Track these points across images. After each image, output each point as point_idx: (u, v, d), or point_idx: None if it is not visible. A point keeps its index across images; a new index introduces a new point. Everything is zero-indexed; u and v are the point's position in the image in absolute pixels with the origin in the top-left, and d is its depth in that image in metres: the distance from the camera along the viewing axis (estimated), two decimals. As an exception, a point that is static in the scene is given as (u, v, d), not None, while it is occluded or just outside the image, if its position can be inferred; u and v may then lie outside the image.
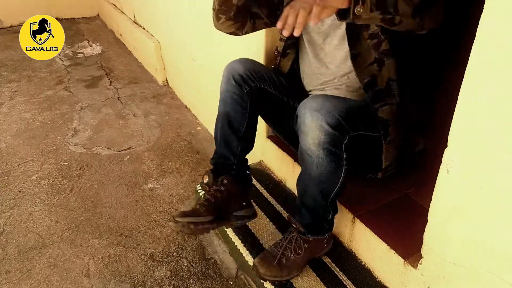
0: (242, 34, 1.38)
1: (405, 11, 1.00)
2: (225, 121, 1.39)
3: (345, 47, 1.22)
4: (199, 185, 1.81)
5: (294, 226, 1.32)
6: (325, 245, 1.37)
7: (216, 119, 1.43)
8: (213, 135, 1.46)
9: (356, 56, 1.20)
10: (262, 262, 1.31)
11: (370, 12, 0.96)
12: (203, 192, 1.42)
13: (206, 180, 1.40)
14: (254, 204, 1.46)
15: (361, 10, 0.95)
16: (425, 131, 1.38)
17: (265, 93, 1.39)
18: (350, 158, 1.25)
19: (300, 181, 1.27)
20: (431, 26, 1.06)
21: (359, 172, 1.36)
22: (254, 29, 1.39)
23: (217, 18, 1.33)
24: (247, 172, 1.51)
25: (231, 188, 1.37)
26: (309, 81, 1.41)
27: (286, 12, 0.97)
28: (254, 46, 1.71)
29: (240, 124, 1.39)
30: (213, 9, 1.33)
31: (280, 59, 1.40)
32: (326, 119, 1.08)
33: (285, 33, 0.97)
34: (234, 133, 1.39)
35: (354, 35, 1.18)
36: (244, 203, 1.40)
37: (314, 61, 1.35)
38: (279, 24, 0.97)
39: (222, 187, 1.36)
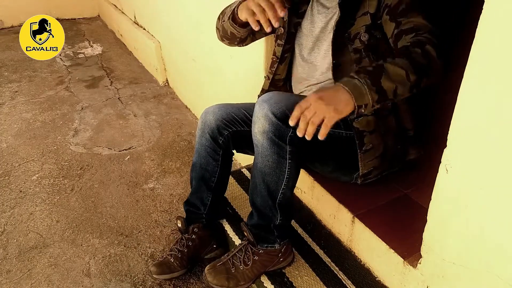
0: (243, 46, 1.43)
1: (403, 92, 1.00)
2: (198, 172, 1.44)
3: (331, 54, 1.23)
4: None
5: (245, 234, 1.31)
6: (281, 259, 1.31)
7: (191, 167, 1.48)
8: (189, 180, 1.52)
9: (336, 66, 1.20)
10: (211, 269, 1.30)
11: (372, 108, 0.97)
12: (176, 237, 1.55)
13: (179, 224, 1.49)
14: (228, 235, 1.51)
15: (363, 110, 0.97)
16: (419, 141, 1.34)
17: (240, 134, 1.40)
18: (326, 159, 1.25)
19: (251, 177, 1.25)
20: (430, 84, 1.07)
21: (343, 174, 1.35)
22: (253, 40, 1.42)
23: (221, 39, 1.40)
24: (218, 214, 1.56)
25: (202, 234, 1.48)
26: (297, 85, 1.41)
27: (297, 113, 0.96)
28: (254, 46, 1.71)
29: (212, 175, 1.44)
30: (217, 28, 1.37)
31: (277, 66, 1.40)
32: (271, 109, 1.09)
33: (300, 135, 0.98)
34: (206, 184, 1.44)
35: (339, 46, 1.18)
36: (215, 246, 1.51)
37: (304, 64, 1.34)
38: (291, 123, 0.98)
39: (193, 235, 1.47)
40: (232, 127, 1.38)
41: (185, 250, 1.46)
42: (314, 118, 0.93)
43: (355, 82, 0.95)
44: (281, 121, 1.10)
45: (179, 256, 1.45)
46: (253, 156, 1.24)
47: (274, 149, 1.13)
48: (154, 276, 1.43)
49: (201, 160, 1.42)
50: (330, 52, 1.22)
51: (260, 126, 1.12)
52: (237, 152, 1.48)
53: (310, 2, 1.31)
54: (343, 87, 0.95)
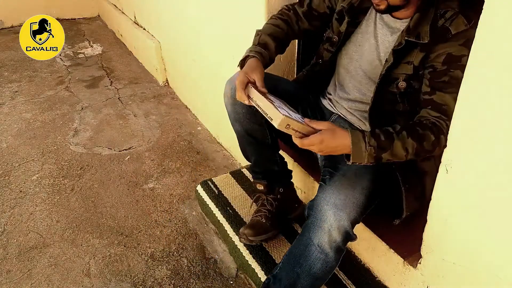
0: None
1: (397, 161, 1.05)
2: (250, 138, 1.37)
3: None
4: (199, 185, 1.82)
5: None
6: None
7: (238, 137, 1.41)
8: (241, 150, 1.47)
9: (375, 100, 1.18)
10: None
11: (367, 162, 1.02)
12: (259, 200, 1.54)
13: (261, 187, 1.49)
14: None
15: (356, 162, 1.02)
16: None
17: None
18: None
19: (290, 268, 1.16)
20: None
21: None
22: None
23: None
24: (288, 168, 1.56)
25: (286, 195, 1.50)
26: (334, 88, 1.38)
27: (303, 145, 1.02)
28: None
29: (264, 138, 1.37)
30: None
31: (320, 68, 1.38)
32: (350, 219, 1.05)
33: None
34: (264, 145, 1.39)
35: (381, 81, 1.15)
36: (296, 205, 1.54)
37: (345, 75, 1.32)
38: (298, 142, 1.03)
39: (278, 196, 1.48)
40: None
41: (274, 210, 1.47)
42: (309, 147, 1.03)
43: (361, 146, 1.00)
44: (353, 227, 1.08)
45: (269, 216, 1.46)
46: None
47: (338, 255, 1.11)
48: (250, 238, 1.43)
49: (245, 126, 1.34)
50: (374, 86, 1.19)
51: (333, 237, 1.06)
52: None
53: (368, 15, 1.25)
54: (349, 145, 1.01)
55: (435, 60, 1.05)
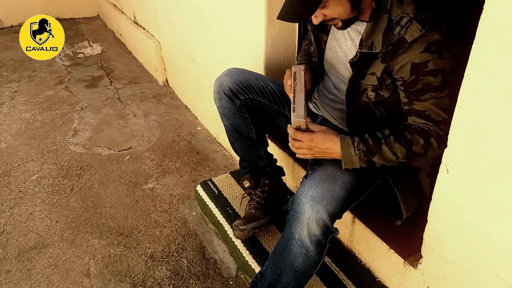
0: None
1: (391, 165, 1.10)
2: (236, 133, 1.46)
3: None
4: (199, 185, 1.82)
5: None
6: None
7: (226, 131, 1.50)
8: (230, 145, 1.56)
9: (352, 109, 1.20)
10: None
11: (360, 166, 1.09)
12: (247, 196, 1.59)
13: (247, 185, 1.54)
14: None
15: (349, 167, 1.08)
16: None
17: (255, 103, 1.41)
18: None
19: (274, 264, 1.16)
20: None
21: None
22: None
23: None
24: (277, 164, 1.61)
25: (273, 186, 1.52)
26: (322, 90, 1.40)
27: (292, 143, 1.12)
28: (254, 47, 1.71)
29: (249, 133, 1.46)
30: None
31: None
32: (328, 211, 1.04)
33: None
34: (249, 140, 1.47)
35: (353, 91, 1.17)
36: (288, 196, 1.55)
37: (327, 78, 1.34)
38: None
39: (265, 188, 1.51)
40: (249, 95, 1.39)
41: (263, 202, 1.49)
42: (297, 150, 1.12)
43: (350, 151, 1.07)
44: (332, 221, 1.06)
45: (259, 207, 1.48)
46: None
47: (319, 249, 1.09)
48: (241, 227, 1.44)
49: (232, 121, 1.43)
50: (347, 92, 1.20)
51: (311, 230, 1.05)
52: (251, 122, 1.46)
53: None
54: (338, 150, 1.08)
55: (402, 72, 1.05)
